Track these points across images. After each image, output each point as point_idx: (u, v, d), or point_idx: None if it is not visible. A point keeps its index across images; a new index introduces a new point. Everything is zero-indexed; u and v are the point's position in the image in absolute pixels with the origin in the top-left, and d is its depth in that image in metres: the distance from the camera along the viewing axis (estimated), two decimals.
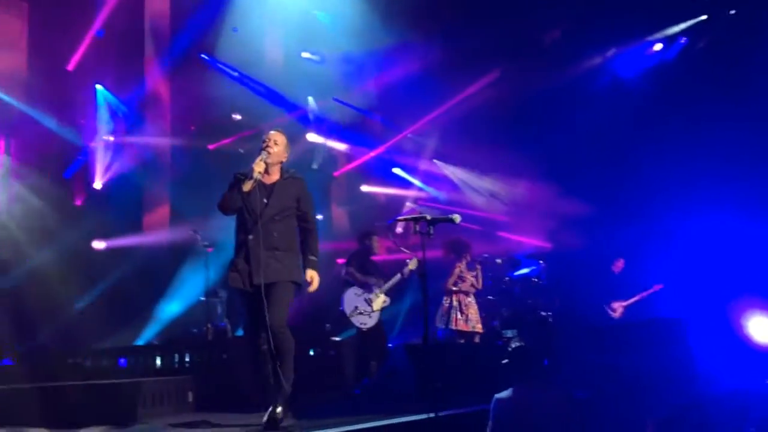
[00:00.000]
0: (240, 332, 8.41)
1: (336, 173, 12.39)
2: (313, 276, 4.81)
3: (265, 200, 4.71)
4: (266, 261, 4.63)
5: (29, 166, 8.84)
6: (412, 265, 7.31)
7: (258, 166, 4.63)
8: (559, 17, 10.01)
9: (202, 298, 8.50)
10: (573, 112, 10.14)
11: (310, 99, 11.83)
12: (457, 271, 7.85)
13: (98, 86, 9.62)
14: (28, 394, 5.59)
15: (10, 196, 8.68)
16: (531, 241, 10.89)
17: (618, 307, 9.03)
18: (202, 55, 10.62)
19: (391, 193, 12.49)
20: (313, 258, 4.83)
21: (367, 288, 7.41)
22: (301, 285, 4.82)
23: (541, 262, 9.83)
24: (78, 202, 9.39)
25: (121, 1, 9.10)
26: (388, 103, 11.64)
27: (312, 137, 11.71)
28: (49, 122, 8.87)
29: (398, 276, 7.45)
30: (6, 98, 8.56)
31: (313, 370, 7.90)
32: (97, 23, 9.19)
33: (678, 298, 8.71)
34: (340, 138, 12.08)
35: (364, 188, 12.38)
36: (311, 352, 8.48)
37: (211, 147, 10.60)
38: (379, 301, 7.37)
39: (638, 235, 9.50)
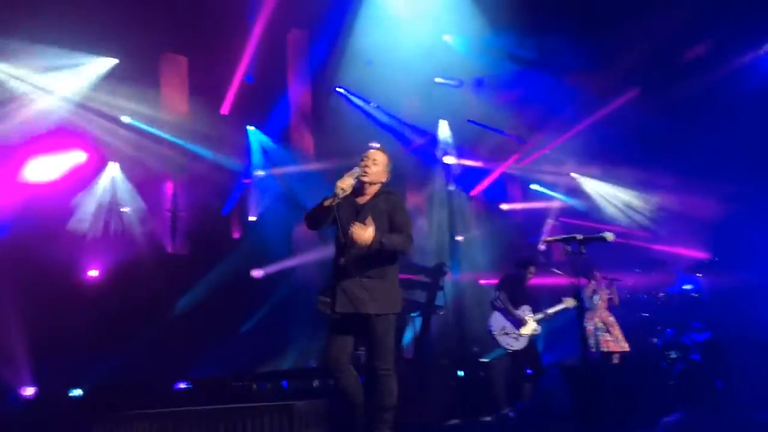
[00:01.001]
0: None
1: (472, 193, 12.40)
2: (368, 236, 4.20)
3: (355, 221, 4.30)
4: (352, 289, 4.26)
5: (194, 204, 9.66)
6: (568, 303, 7.25)
7: (342, 182, 4.23)
8: (704, 24, 9.42)
9: None
10: (723, 116, 9.51)
11: (442, 122, 12.00)
12: (588, 292, 7.69)
13: (249, 127, 10.33)
14: (202, 416, 6.07)
15: None
16: (687, 252, 10.29)
17: None
18: (338, 89, 11.12)
19: (530, 210, 12.32)
20: (387, 239, 4.27)
21: (514, 322, 7.37)
22: (397, 314, 4.39)
23: (699, 275, 9.26)
24: (236, 235, 10.08)
25: (265, 48, 9.74)
26: (523, 120, 11.55)
27: (448, 159, 11.86)
28: (209, 163, 9.64)
29: (547, 312, 7.44)
30: (174, 139, 9.39)
31: (463, 392, 7.95)
32: (245, 69, 9.88)
33: None
34: (476, 158, 12.12)
35: (504, 206, 12.30)
36: (460, 374, 8.52)
37: None
38: (530, 328, 7.35)
39: None
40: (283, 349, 9.35)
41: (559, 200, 12.13)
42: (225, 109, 9.89)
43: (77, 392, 7.39)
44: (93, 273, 8.56)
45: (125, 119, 8.99)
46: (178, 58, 9.79)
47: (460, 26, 10.38)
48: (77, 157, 8.63)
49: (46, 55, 8.11)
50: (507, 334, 7.31)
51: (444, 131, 11.98)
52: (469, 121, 11.71)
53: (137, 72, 8.94)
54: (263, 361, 8.81)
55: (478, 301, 10.12)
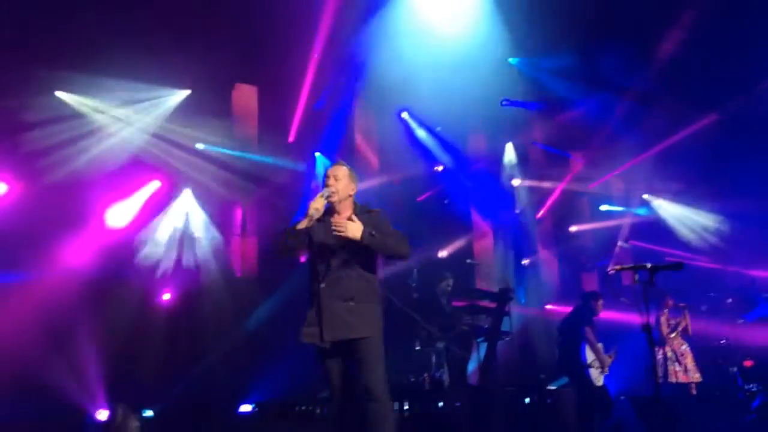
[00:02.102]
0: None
1: (538, 215, 12.22)
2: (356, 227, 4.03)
3: (333, 242, 4.11)
4: (339, 313, 4.05)
5: (262, 229, 9.88)
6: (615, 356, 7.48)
7: (315, 203, 4.09)
8: None
9: (417, 348, 8.76)
10: None
11: (509, 145, 11.90)
12: (663, 320, 7.53)
13: (317, 153, 10.53)
14: None
15: None
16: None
17: None
18: (402, 114, 11.19)
19: (600, 233, 12.02)
20: (376, 234, 4.06)
21: (599, 359, 7.38)
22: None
23: None
24: (303, 259, 10.18)
25: (330, 74, 9.93)
26: (593, 142, 11.34)
27: (516, 182, 11.75)
28: (277, 188, 9.85)
29: (616, 352, 7.44)
30: (247, 155, 9.58)
31: (530, 419, 7.80)
32: (309, 97, 10.04)
33: None
34: (542, 180, 11.97)
35: (573, 228, 12.04)
36: (527, 400, 8.36)
37: (419, 199, 11.06)
38: (607, 366, 7.43)
39: None
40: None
41: (630, 220, 11.80)
42: (292, 136, 10.11)
43: (149, 413, 7.66)
44: (166, 297, 8.86)
45: (199, 146, 9.32)
46: (248, 87, 10.09)
47: (523, 48, 10.31)
48: (153, 185, 9.02)
49: (125, 89, 8.56)
50: (596, 368, 7.34)
51: (509, 154, 11.89)
52: (534, 143, 11.60)
53: (209, 102, 9.28)
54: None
55: (545, 328, 9.93)
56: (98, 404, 7.19)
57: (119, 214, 8.61)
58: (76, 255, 7.87)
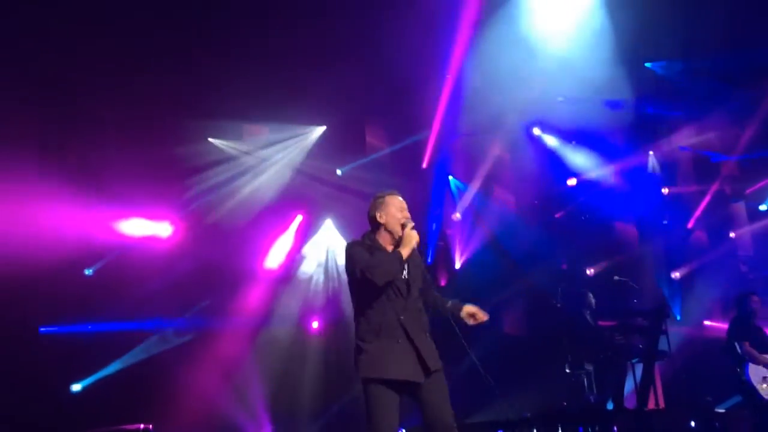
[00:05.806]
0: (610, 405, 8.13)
1: (689, 225, 11.48)
2: (469, 309, 4.06)
3: (405, 275, 3.99)
4: (427, 345, 3.93)
5: None
6: None
7: (415, 235, 4.00)
8: None
9: (567, 371, 8.47)
10: None
11: (650, 153, 11.33)
12: None
13: (450, 177, 10.59)
14: None
15: None
16: None
17: None
18: (533, 129, 10.96)
19: (761, 237, 11.07)
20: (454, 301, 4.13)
21: None
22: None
23: None
24: (443, 283, 10.27)
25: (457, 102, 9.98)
26: (742, 142, 10.53)
27: (665, 190, 11.14)
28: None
29: None
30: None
31: None
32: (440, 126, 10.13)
33: None
34: (691, 187, 11.26)
35: (732, 234, 11.21)
36: (692, 424, 7.83)
37: (557, 215, 10.80)
38: None
39: None
40: (492, 399, 9.23)
41: None
42: (425, 162, 10.25)
43: None
44: (314, 325, 9.25)
45: (338, 172, 9.70)
46: (379, 119, 10.38)
47: (660, 50, 9.80)
48: (297, 220, 9.54)
49: (267, 131, 9.28)
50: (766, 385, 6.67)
51: (652, 162, 11.32)
52: (681, 148, 10.97)
53: (344, 136, 9.68)
54: (472, 410, 8.77)
55: (706, 346, 9.26)
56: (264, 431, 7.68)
57: (274, 255, 9.19)
58: (241, 301, 8.52)
